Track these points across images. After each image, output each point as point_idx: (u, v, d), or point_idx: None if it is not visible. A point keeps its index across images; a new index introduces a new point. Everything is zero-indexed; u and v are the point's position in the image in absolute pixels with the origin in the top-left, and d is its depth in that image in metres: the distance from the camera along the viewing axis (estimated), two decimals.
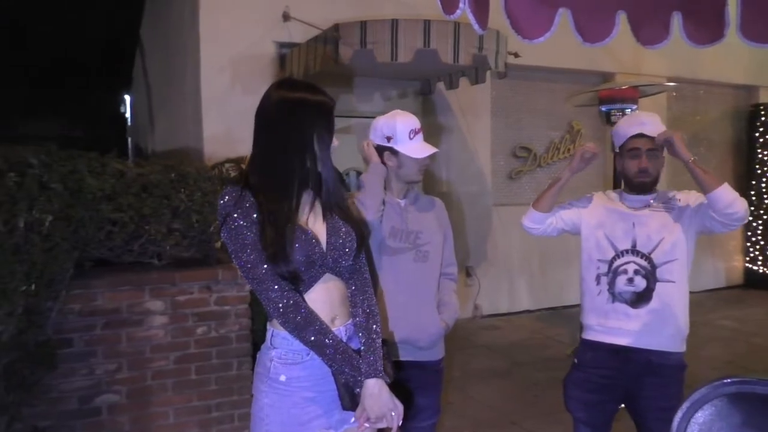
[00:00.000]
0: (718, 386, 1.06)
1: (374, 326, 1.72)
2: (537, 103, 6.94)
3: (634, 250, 2.31)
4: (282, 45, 5.48)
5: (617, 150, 2.40)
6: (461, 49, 4.23)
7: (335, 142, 1.69)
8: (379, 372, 1.64)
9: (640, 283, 2.28)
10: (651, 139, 2.30)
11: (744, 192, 8.16)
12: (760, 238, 8.05)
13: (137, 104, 11.34)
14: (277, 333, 1.67)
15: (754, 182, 8.03)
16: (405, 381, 2.31)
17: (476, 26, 1.46)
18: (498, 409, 4.16)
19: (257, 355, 1.76)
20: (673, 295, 2.29)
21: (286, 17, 5.36)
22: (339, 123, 6.14)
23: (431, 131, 6.44)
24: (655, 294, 2.27)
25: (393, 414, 1.64)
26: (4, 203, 2.60)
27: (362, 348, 1.67)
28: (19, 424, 2.70)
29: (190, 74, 5.75)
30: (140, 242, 3.08)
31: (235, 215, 1.58)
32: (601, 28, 1.65)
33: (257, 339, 3.65)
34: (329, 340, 1.61)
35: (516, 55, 4.92)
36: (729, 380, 1.07)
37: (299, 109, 1.65)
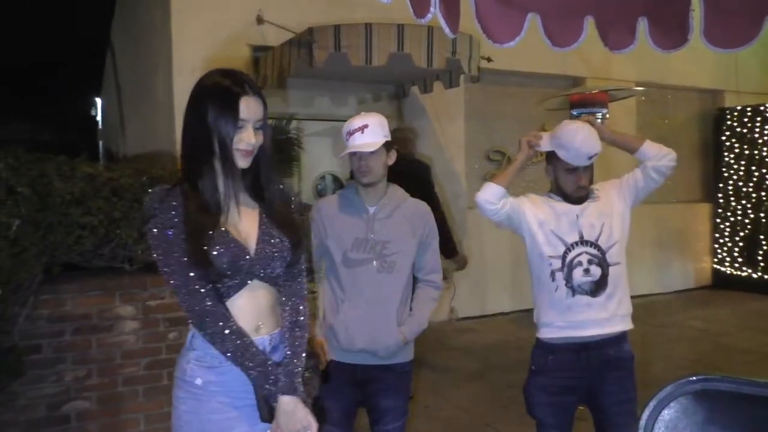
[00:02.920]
0: (683, 384, 1.09)
1: (298, 341, 1.67)
2: (509, 106, 7.01)
3: (582, 241, 2.34)
4: (256, 48, 5.45)
5: (549, 154, 2.43)
6: (435, 53, 4.26)
7: (247, 141, 1.56)
8: (295, 389, 1.59)
9: (596, 271, 2.32)
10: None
11: (711, 194, 8.35)
12: (727, 239, 8.23)
13: (108, 107, 11.17)
14: (197, 334, 1.61)
15: (721, 185, 8.21)
16: (368, 384, 2.35)
17: (447, 30, 1.48)
18: (472, 412, 4.18)
19: (177, 360, 1.70)
20: (621, 276, 2.37)
21: (259, 20, 5.34)
22: (314, 126, 6.12)
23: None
24: (608, 279, 2.33)
25: None
26: None
27: (282, 362, 1.62)
28: None
29: (161, 77, 5.69)
30: (111, 247, 3.03)
31: (158, 216, 1.53)
32: (570, 32, 1.68)
33: None
34: (249, 353, 1.55)
35: (489, 59, 4.97)
36: (694, 378, 1.09)
37: (196, 94, 1.58)
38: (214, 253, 1.52)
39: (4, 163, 2.68)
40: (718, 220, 8.28)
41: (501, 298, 6.88)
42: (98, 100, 12.41)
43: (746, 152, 7.96)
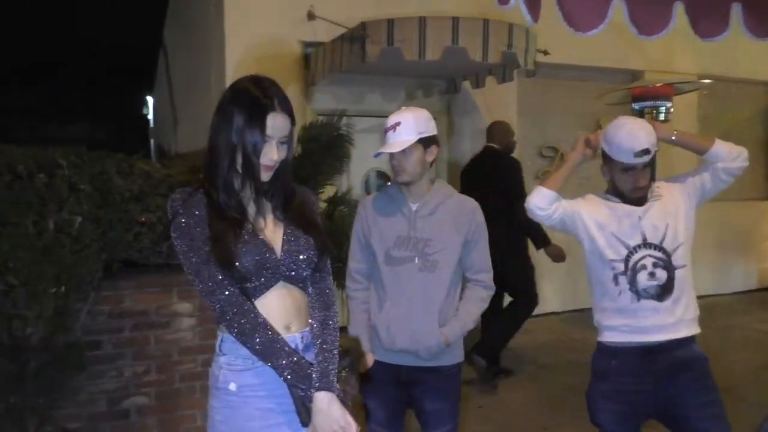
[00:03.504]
0: None
1: (330, 337, 1.62)
2: (563, 102, 6.82)
3: (646, 244, 2.22)
4: (307, 44, 5.44)
5: (604, 153, 2.30)
6: (490, 47, 4.15)
7: (269, 156, 1.54)
8: (331, 385, 1.53)
9: (662, 275, 2.20)
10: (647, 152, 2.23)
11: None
12: None
13: (159, 105, 11.40)
14: (226, 338, 1.58)
15: None
16: (413, 386, 2.29)
17: (528, 18, 1.40)
18: (527, 415, 4.07)
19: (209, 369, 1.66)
20: (687, 279, 2.25)
21: (311, 16, 5.32)
22: (364, 123, 6.11)
23: (456, 130, 6.37)
24: (675, 283, 2.21)
25: None
26: (34, 204, 2.58)
27: (315, 359, 1.57)
28: (49, 426, 2.69)
29: (214, 74, 5.73)
30: (168, 243, 3.04)
31: (183, 215, 1.53)
32: (657, 20, 1.57)
33: None
34: (280, 350, 1.51)
35: (545, 52, 4.84)
36: None
37: (226, 101, 1.56)
38: (240, 252, 1.50)
39: (67, 160, 2.71)
40: None
41: (553, 297, 6.71)
42: (150, 99, 12.70)
43: None
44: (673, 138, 2.29)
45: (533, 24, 1.52)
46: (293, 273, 1.61)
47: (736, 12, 1.58)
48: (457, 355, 2.34)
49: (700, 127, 7.46)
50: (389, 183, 2.46)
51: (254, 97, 1.52)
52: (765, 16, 1.53)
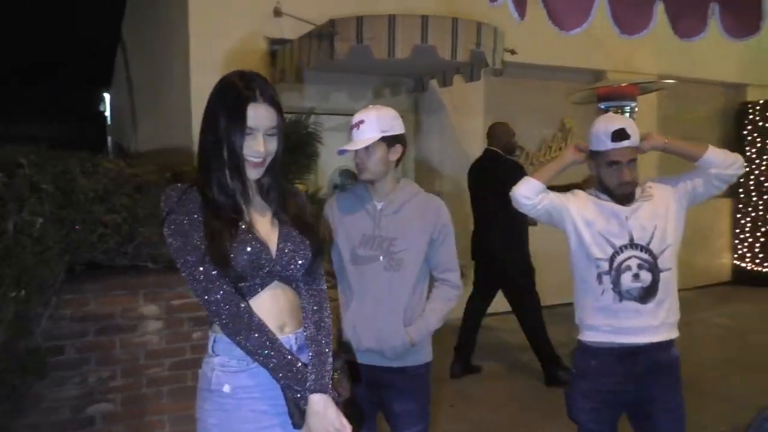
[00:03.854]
0: None
1: (324, 339, 1.61)
2: (529, 101, 6.88)
3: (632, 244, 2.22)
4: (274, 41, 5.36)
5: (590, 151, 2.32)
6: (459, 46, 4.16)
7: (253, 149, 1.51)
8: (326, 387, 1.52)
9: (646, 277, 2.20)
10: (632, 149, 2.24)
11: (732, 189, 8.21)
12: (748, 235, 8.10)
13: (118, 102, 11.12)
14: (219, 339, 1.55)
15: (742, 180, 8.06)
16: (380, 387, 2.27)
17: (516, 15, 1.38)
18: (501, 412, 4.09)
19: (199, 372, 1.62)
20: (672, 282, 2.26)
21: (277, 12, 5.25)
22: (332, 121, 6.04)
23: (423, 129, 6.38)
24: (659, 286, 2.21)
25: None
26: None
27: (310, 361, 1.56)
28: None
29: (178, 71, 5.61)
30: (134, 245, 2.96)
31: (177, 212, 1.50)
32: (639, 19, 1.58)
33: None
34: (273, 349, 1.49)
35: (513, 52, 4.87)
36: None
37: (212, 97, 1.54)
38: (235, 251, 1.48)
39: (29, 160, 2.60)
40: (739, 216, 8.15)
41: None
42: (107, 96, 12.36)
43: None
44: (665, 145, 2.32)
45: (520, 21, 1.51)
46: (288, 273, 1.59)
47: (713, 12, 1.60)
48: (424, 355, 2.30)
49: (661, 127, 7.63)
50: (357, 182, 2.43)
51: (235, 90, 1.50)
52: (742, 16, 1.55)
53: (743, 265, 8.18)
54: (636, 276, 2.20)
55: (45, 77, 11.41)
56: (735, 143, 8.21)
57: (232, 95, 1.50)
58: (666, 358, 2.27)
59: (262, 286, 1.55)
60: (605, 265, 2.23)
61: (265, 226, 1.59)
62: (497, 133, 4.69)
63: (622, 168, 2.22)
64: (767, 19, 1.52)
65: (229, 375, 1.53)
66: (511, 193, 2.36)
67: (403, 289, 2.22)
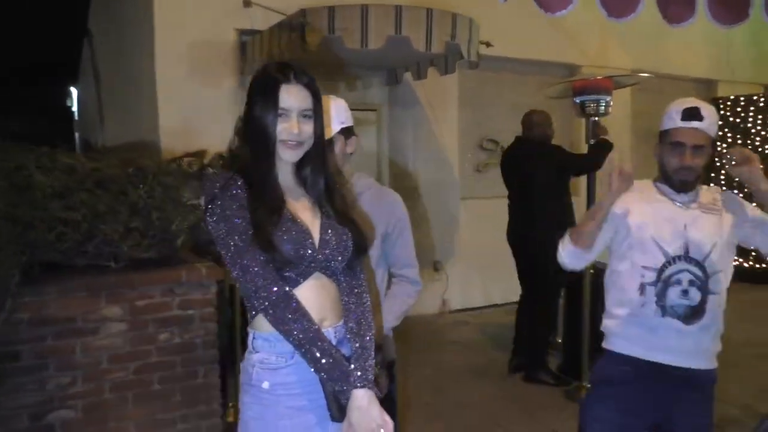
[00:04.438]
0: None
1: (368, 335, 1.59)
2: (503, 95, 6.85)
3: (687, 257, 1.99)
4: (243, 32, 5.21)
5: (659, 132, 2.11)
6: (434, 37, 4.07)
7: (288, 131, 1.50)
8: (370, 382, 1.50)
9: (695, 295, 1.98)
10: (702, 134, 2.00)
11: (705, 184, 8.27)
12: None
13: (85, 97, 10.83)
14: (258, 335, 1.56)
15: (713, 175, 8.14)
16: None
17: None
18: (478, 410, 4.04)
19: (241, 365, 1.64)
20: (719, 310, 2.05)
21: (246, 3, 5.11)
22: None
23: (398, 122, 6.29)
24: (707, 308, 2.00)
25: (381, 431, 1.49)
26: None
27: (353, 355, 1.54)
28: None
29: (144, 64, 5.42)
30: (95, 243, 2.81)
31: (221, 199, 1.47)
32: (627, 4, 1.51)
33: (223, 344, 3.43)
34: (319, 341, 1.47)
35: (488, 44, 4.81)
36: None
37: (250, 83, 1.56)
38: (279, 238, 1.47)
39: None
40: None
41: (495, 289, 6.75)
42: (74, 91, 12.04)
43: (739, 142, 7.90)
44: (752, 177, 1.99)
45: (503, 2, 1.42)
46: (329, 264, 1.58)
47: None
48: (388, 353, 2.21)
49: (635, 122, 7.67)
50: None
51: (268, 73, 1.52)
52: (729, 3, 1.49)
53: None
54: (685, 292, 1.99)
55: (13, 71, 11.07)
56: None
57: (264, 77, 1.52)
58: (700, 379, 2.08)
59: (304, 276, 1.54)
60: (652, 276, 2.02)
61: (307, 215, 1.58)
62: (535, 122, 4.49)
63: (685, 151, 1.99)
64: (754, 7, 1.46)
65: (268, 372, 1.54)
66: (558, 258, 2.18)
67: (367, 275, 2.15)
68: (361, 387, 1.48)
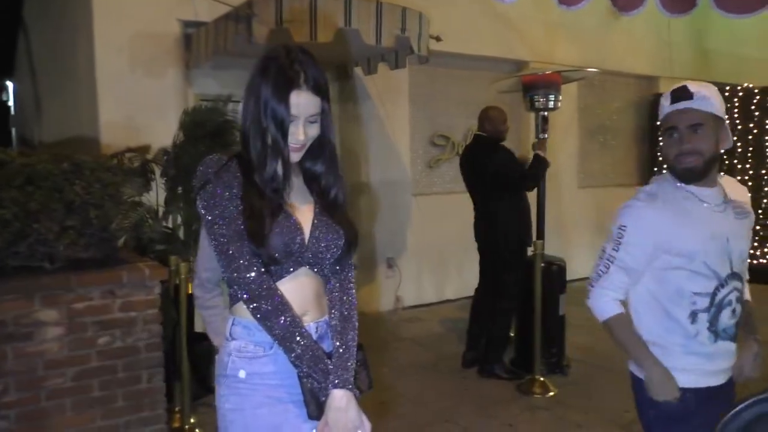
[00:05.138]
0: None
1: (351, 333, 1.56)
2: (453, 90, 6.86)
3: (733, 274, 1.82)
4: (187, 23, 5.04)
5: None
6: (384, 30, 4.02)
7: (298, 136, 1.47)
8: (349, 383, 1.47)
9: (739, 310, 1.85)
10: (696, 112, 1.77)
11: (647, 178, 8.51)
12: None
13: (21, 91, 10.35)
14: (238, 321, 1.53)
15: (656, 169, 8.37)
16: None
17: None
18: (431, 407, 4.02)
19: (216, 357, 1.59)
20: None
21: None
22: None
23: (349, 118, 6.22)
24: (742, 317, 1.91)
25: None
26: None
27: (334, 354, 1.51)
28: None
29: (82, 56, 5.19)
30: (27, 243, 2.66)
31: (214, 184, 1.44)
32: None
33: (168, 347, 3.30)
34: (300, 337, 1.44)
35: (438, 38, 4.78)
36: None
37: (255, 70, 1.49)
38: (273, 232, 1.44)
39: None
40: None
41: (447, 285, 6.76)
42: (9, 84, 11.51)
43: None
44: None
45: None
46: (318, 260, 1.55)
47: None
48: None
49: (581, 117, 7.80)
50: None
51: (280, 70, 1.44)
52: None
53: None
54: (734, 312, 1.84)
55: None
56: (649, 134, 8.52)
57: (277, 77, 1.44)
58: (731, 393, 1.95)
59: (290, 271, 1.51)
60: (704, 302, 1.81)
61: (302, 212, 1.54)
62: (490, 117, 4.47)
63: (682, 135, 1.78)
64: None
65: (245, 360, 1.50)
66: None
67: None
68: (341, 387, 1.45)
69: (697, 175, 1.80)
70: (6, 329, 2.60)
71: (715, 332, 1.83)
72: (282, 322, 1.43)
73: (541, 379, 4.23)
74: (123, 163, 3.63)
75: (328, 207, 1.58)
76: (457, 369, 4.66)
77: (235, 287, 1.45)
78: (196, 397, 3.65)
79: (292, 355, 1.44)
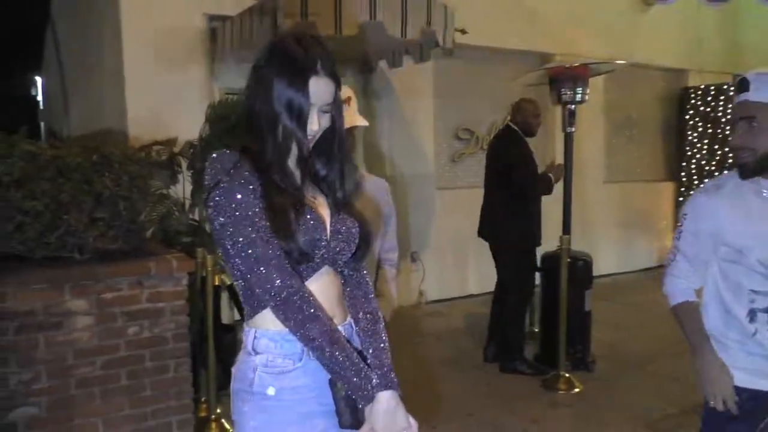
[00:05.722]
0: None
1: (382, 331, 1.49)
2: (478, 84, 6.81)
3: None
4: (212, 17, 5.07)
5: None
6: (409, 23, 4.00)
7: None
8: (395, 383, 1.39)
9: None
10: (751, 105, 1.70)
11: (675, 173, 8.38)
12: None
13: (50, 86, 10.52)
14: (261, 334, 1.40)
15: (684, 164, 8.24)
16: None
17: None
18: (452, 401, 4.01)
19: (233, 369, 1.47)
20: None
21: None
22: None
23: (373, 112, 6.21)
24: None
25: None
26: None
27: (371, 355, 1.43)
28: None
29: (110, 51, 5.25)
30: (58, 234, 2.70)
31: (229, 182, 1.31)
32: None
33: (194, 337, 3.34)
34: (338, 341, 1.33)
35: (463, 31, 4.74)
36: None
37: (262, 62, 1.37)
38: (300, 227, 1.34)
39: None
40: (681, 199, 8.32)
41: (470, 280, 6.74)
42: (38, 79, 11.71)
43: (709, 131, 8.01)
44: None
45: None
46: (338, 257, 1.46)
47: None
48: None
49: (607, 110, 7.70)
50: None
51: (295, 60, 1.34)
52: None
53: None
54: None
55: None
56: (677, 128, 8.38)
57: (290, 64, 1.34)
58: None
59: (315, 270, 1.41)
60: (764, 302, 1.76)
61: (319, 206, 1.45)
62: (522, 108, 4.46)
63: (736, 128, 1.74)
64: None
65: (273, 376, 1.39)
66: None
67: (369, 271, 2.17)
68: (387, 389, 1.36)
69: (749, 171, 1.74)
70: (36, 318, 2.65)
71: None
72: (318, 327, 1.32)
73: (566, 375, 4.19)
74: (150, 156, 3.66)
75: (340, 199, 1.49)
76: (479, 364, 4.64)
77: (261, 294, 1.33)
78: (221, 387, 3.67)
79: (330, 362, 1.32)
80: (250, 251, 1.30)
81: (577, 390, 4.12)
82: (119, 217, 2.83)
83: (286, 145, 1.37)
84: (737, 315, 1.80)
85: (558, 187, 4.43)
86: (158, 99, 4.79)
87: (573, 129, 4.26)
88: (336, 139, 1.46)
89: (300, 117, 1.34)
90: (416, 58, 5.16)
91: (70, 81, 7.76)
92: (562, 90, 4.15)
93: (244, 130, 1.43)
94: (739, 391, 1.79)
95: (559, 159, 4.63)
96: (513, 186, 4.33)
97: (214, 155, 1.36)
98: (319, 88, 1.35)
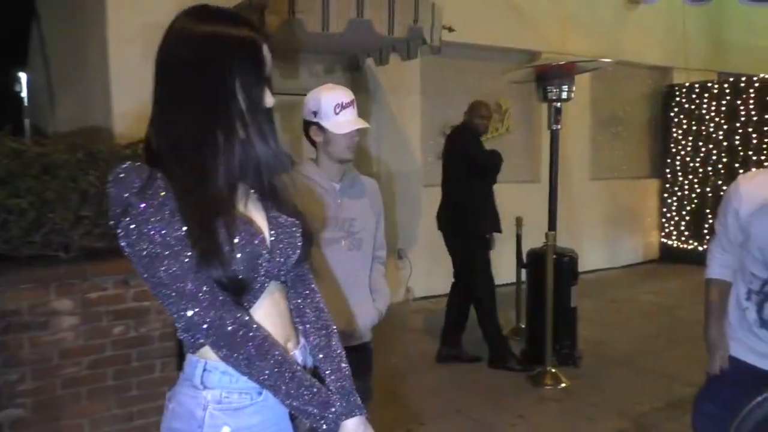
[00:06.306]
0: None
1: (338, 349, 1.33)
2: (464, 81, 6.83)
3: None
4: None
5: None
6: (396, 21, 4.01)
7: (269, 99, 1.20)
8: (360, 407, 1.25)
9: None
10: None
11: (660, 170, 8.45)
12: (674, 214, 8.37)
13: (34, 82, 10.40)
14: (212, 366, 1.18)
15: (669, 160, 8.32)
16: None
17: None
18: (440, 397, 4.03)
19: (169, 405, 1.24)
20: None
21: None
22: None
23: (360, 109, 6.19)
24: None
25: None
26: None
27: (330, 379, 1.28)
28: None
29: (95, 46, 5.21)
30: (43, 232, 2.67)
31: (141, 207, 1.08)
32: None
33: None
34: (295, 374, 1.16)
35: (450, 29, 4.76)
36: None
37: (210, 48, 1.16)
38: (232, 244, 1.11)
39: None
40: (666, 195, 8.41)
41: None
42: (22, 75, 11.57)
43: (694, 128, 8.08)
44: None
45: None
46: (283, 270, 1.26)
47: None
48: (370, 332, 2.33)
49: (593, 108, 7.75)
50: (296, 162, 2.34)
51: (244, 36, 1.17)
52: None
53: (670, 243, 8.45)
54: None
55: None
56: (662, 125, 8.45)
57: (242, 39, 1.16)
58: None
59: (261, 290, 1.21)
60: (757, 284, 1.92)
61: (252, 210, 1.24)
62: (471, 109, 4.58)
63: None
64: None
65: (228, 413, 1.18)
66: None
67: (365, 267, 2.27)
68: (351, 416, 1.22)
69: None
70: (22, 318, 2.62)
71: (762, 319, 1.94)
72: (271, 365, 1.14)
73: (553, 370, 4.23)
74: (137, 153, 3.64)
75: (270, 196, 1.27)
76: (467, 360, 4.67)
77: (197, 335, 1.13)
78: None
79: (287, 397, 1.16)
80: (176, 285, 1.08)
81: (563, 385, 4.15)
82: (105, 215, 2.80)
83: (247, 132, 1.18)
84: (739, 290, 2.00)
85: (544, 184, 4.46)
86: (145, 96, 4.67)
87: (559, 126, 4.30)
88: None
89: (259, 101, 1.20)
90: (403, 55, 5.16)
91: (56, 77, 7.67)
92: (549, 87, 4.18)
93: (158, 125, 1.27)
94: (733, 360, 2.02)
95: (546, 156, 4.66)
96: (472, 169, 4.38)
97: (119, 170, 1.12)
98: (270, 56, 1.23)
